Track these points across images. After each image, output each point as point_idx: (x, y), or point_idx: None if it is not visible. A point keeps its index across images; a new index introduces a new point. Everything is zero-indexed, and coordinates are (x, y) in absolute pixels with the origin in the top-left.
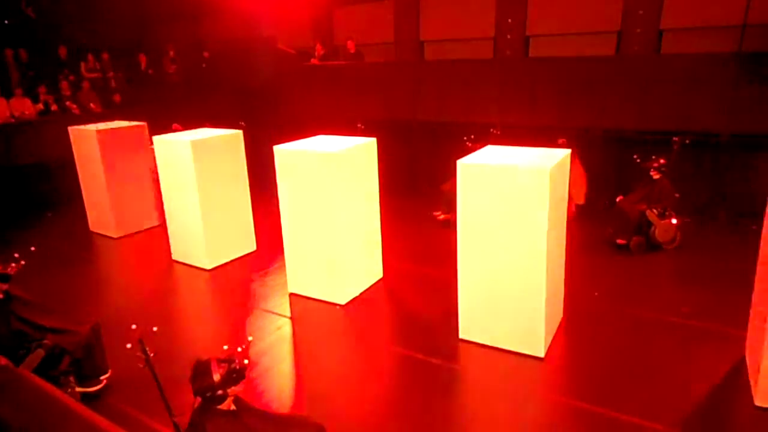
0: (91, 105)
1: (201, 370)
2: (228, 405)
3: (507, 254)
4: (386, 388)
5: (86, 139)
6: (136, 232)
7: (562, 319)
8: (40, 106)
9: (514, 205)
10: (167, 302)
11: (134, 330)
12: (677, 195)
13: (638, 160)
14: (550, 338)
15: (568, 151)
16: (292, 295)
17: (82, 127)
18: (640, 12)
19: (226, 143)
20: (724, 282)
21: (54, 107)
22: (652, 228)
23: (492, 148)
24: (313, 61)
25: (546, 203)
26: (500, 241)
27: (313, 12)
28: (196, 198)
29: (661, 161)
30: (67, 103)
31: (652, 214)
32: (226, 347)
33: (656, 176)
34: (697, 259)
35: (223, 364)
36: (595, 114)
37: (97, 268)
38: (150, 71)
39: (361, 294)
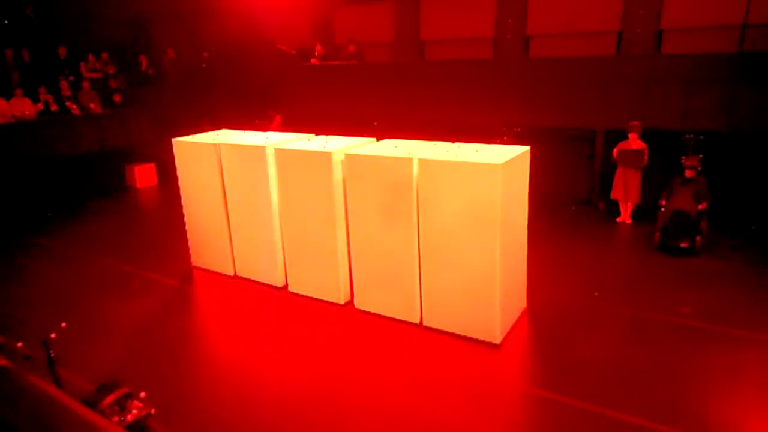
0: (91, 105)
1: (108, 388)
2: None
3: (465, 246)
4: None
5: (200, 154)
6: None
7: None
8: (40, 106)
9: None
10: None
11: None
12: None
13: (683, 160)
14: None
15: (526, 148)
16: (292, 293)
17: (190, 139)
18: (640, 12)
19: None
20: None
21: (54, 107)
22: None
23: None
24: (313, 61)
25: (499, 196)
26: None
27: (314, 12)
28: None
29: (700, 157)
30: (67, 103)
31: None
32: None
33: (691, 175)
34: (704, 261)
35: (136, 406)
36: (596, 114)
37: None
38: (150, 71)
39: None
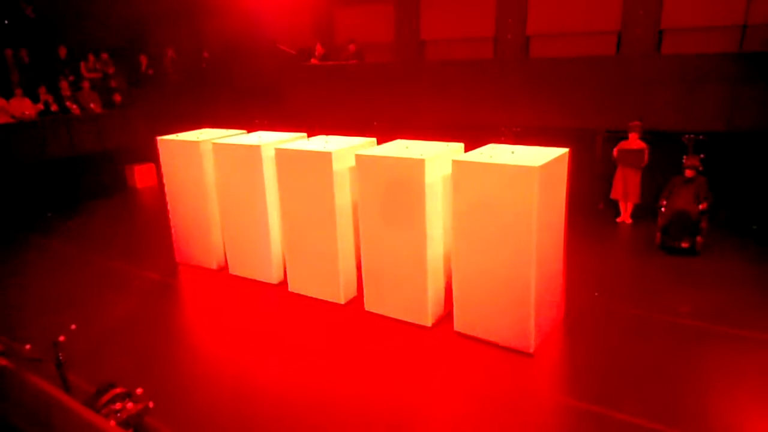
0: (91, 105)
1: (104, 390)
2: None
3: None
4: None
5: (188, 153)
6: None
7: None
8: (40, 106)
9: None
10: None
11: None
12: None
13: (684, 160)
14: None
15: (564, 150)
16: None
17: (176, 137)
18: (640, 12)
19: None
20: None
21: (54, 107)
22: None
23: (492, 146)
24: (313, 61)
25: (535, 201)
26: (493, 237)
27: (313, 12)
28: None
29: (701, 157)
30: (67, 103)
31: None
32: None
33: (691, 174)
34: (704, 261)
35: (133, 401)
36: (595, 114)
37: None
38: (150, 71)
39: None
